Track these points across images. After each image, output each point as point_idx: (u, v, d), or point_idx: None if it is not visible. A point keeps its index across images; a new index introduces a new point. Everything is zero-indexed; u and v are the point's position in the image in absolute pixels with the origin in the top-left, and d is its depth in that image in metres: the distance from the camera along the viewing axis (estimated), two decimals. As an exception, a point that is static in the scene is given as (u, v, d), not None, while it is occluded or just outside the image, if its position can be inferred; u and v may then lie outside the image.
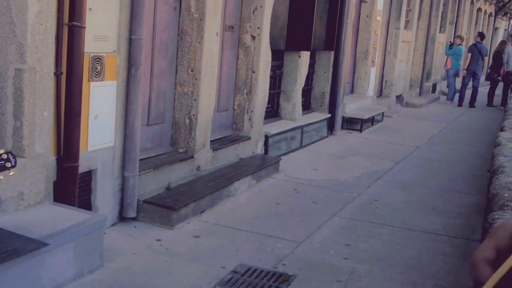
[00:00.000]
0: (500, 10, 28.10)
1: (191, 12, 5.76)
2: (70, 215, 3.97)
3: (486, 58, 15.93)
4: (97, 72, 4.49)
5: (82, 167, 4.42)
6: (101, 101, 4.60)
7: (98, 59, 4.49)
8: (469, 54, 15.72)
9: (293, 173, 7.03)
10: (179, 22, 5.81)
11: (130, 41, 4.75)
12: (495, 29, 28.93)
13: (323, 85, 9.55)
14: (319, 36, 8.63)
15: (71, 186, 4.26)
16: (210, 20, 5.82)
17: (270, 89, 7.76)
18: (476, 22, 24.22)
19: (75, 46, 4.09)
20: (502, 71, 16.89)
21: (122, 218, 4.99)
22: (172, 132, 6.02)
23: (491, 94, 16.39)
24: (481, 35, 16.25)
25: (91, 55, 4.40)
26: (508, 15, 30.81)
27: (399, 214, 5.79)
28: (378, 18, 11.81)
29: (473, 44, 16.04)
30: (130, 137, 4.88)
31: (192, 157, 5.93)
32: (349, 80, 11.36)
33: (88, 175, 4.61)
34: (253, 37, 6.94)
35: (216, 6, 5.91)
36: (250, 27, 6.94)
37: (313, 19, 7.90)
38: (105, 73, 4.58)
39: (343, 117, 10.09)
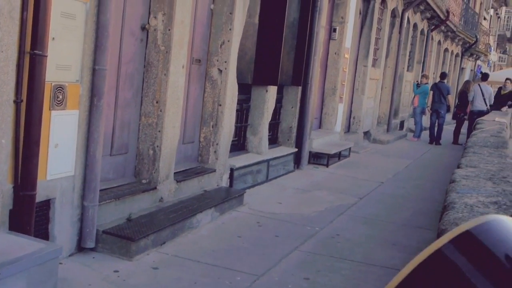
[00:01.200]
0: (467, 51, 28.81)
1: (158, 45, 5.81)
2: (25, 244, 3.92)
3: (450, 97, 16.28)
4: (58, 101, 4.49)
5: (40, 196, 4.38)
6: (62, 130, 4.58)
7: (60, 88, 4.49)
8: (431, 93, 16.12)
9: (257, 206, 7.04)
10: (145, 54, 5.85)
11: (94, 71, 4.77)
12: (462, 69, 29.61)
13: (290, 120, 9.64)
14: (287, 72, 8.76)
15: (28, 215, 4.21)
16: (176, 52, 5.87)
17: (237, 123, 7.82)
18: (443, 62, 24.78)
19: (36, 74, 4.09)
20: (467, 110, 17.26)
21: (80, 248, 4.93)
22: (136, 163, 6.00)
23: (456, 132, 16.70)
24: (442, 75, 16.68)
25: (53, 84, 4.40)
26: (474, 56, 31.59)
27: (360, 249, 5.83)
28: (346, 56, 12.02)
29: (435, 84, 16.46)
30: (91, 167, 4.86)
31: (155, 188, 5.92)
32: (317, 115, 11.49)
33: (46, 204, 4.57)
34: (220, 71, 7.01)
35: (183, 40, 5.97)
36: (217, 60, 7.01)
37: (280, 54, 8.02)
38: (67, 102, 4.58)
39: (310, 152, 10.18)
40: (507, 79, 18.77)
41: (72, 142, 4.72)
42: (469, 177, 4.42)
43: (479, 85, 16.59)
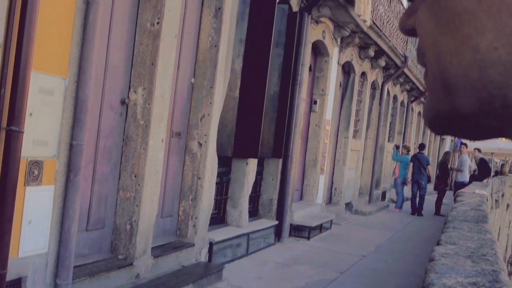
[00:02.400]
0: (447, 122, 29.24)
1: (137, 119, 5.82)
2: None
3: (430, 167, 16.45)
4: (34, 176, 4.43)
5: (11, 274, 4.25)
6: (36, 206, 4.50)
7: (36, 164, 4.45)
8: (411, 164, 16.29)
9: (237, 281, 6.90)
10: (124, 128, 5.85)
11: (71, 146, 4.74)
12: (442, 139, 30.00)
13: (271, 192, 9.61)
14: (267, 144, 8.79)
15: (-3, 295, 4.08)
16: (156, 127, 5.88)
17: (217, 195, 7.76)
18: (424, 133, 25.12)
19: (11, 151, 4.05)
20: (449, 181, 17.40)
21: (51, 329, 4.76)
22: (112, 238, 5.89)
23: (438, 203, 16.76)
24: (421, 146, 16.93)
25: (28, 160, 4.35)
26: (455, 126, 32.04)
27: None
28: (327, 127, 12.13)
29: (414, 155, 16.66)
30: (65, 244, 4.76)
31: (132, 264, 5.79)
32: (298, 187, 11.48)
33: (17, 283, 4.43)
34: (200, 144, 7.01)
35: (163, 114, 5.99)
36: (197, 134, 7.02)
37: (261, 127, 8.06)
38: (42, 177, 4.52)
39: (291, 224, 10.10)
40: (475, 149, 19.13)
41: (47, 218, 4.63)
42: (448, 255, 4.38)
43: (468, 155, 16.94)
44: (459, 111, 0.48)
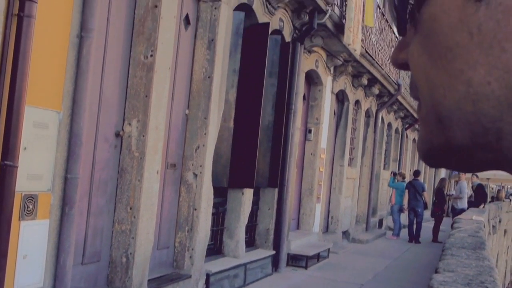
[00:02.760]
0: (442, 148, 29.31)
1: (132, 151, 5.82)
2: None
3: (425, 193, 16.45)
4: (28, 211, 4.41)
5: (6, 311, 4.20)
6: (31, 241, 4.47)
7: (31, 198, 4.43)
8: (406, 191, 16.28)
9: (234, 313, 6.83)
10: (119, 160, 5.85)
11: (66, 180, 4.73)
12: (438, 166, 30.00)
13: (267, 222, 9.57)
14: (263, 174, 8.78)
15: (-9, 332, 4.03)
16: (150, 158, 5.88)
17: (213, 226, 7.73)
18: (419, 160, 25.14)
19: (5, 185, 4.04)
20: (445, 207, 17.39)
21: None
22: (108, 271, 5.85)
23: (435, 230, 16.71)
24: (416, 173, 16.94)
25: (23, 194, 4.34)
26: (450, 152, 32.10)
27: None
28: (323, 156, 12.14)
29: (409, 182, 16.66)
30: (61, 278, 4.72)
31: (128, 297, 5.73)
32: (295, 216, 11.44)
33: (12, 319, 4.38)
34: (196, 175, 7.01)
35: (158, 145, 6.00)
36: (192, 165, 7.02)
37: (256, 157, 8.07)
38: (37, 212, 4.50)
39: (288, 254, 10.04)
40: (473, 174, 19.18)
41: (42, 253, 4.60)
42: (447, 283, 4.36)
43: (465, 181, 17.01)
44: (453, 144, 0.48)
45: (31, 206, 4.44)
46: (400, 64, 0.54)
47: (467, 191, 17.81)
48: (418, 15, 0.50)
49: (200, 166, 7.00)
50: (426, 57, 0.48)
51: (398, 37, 0.58)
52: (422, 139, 0.52)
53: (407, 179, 17.50)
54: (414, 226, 16.18)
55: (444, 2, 0.47)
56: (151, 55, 5.81)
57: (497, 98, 0.44)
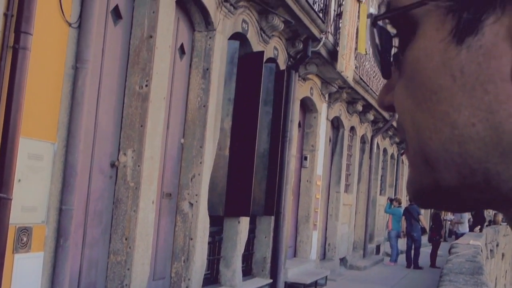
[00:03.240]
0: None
1: (127, 181, 5.79)
2: None
3: (421, 217, 16.39)
4: (23, 243, 4.38)
5: None
6: (25, 274, 4.43)
7: (25, 230, 4.40)
8: (403, 217, 16.26)
9: None
10: (114, 190, 5.82)
11: (61, 211, 4.71)
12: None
13: (264, 250, 9.51)
14: (259, 202, 8.75)
15: None
16: (146, 188, 5.85)
17: (209, 255, 7.67)
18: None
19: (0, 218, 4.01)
20: (442, 232, 17.33)
21: None
22: (104, 303, 5.78)
23: (433, 255, 16.64)
24: None
25: (17, 226, 4.30)
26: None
27: None
28: (319, 183, 12.13)
29: (405, 207, 16.64)
30: (55, 311, 4.66)
31: (123, 330, 5.66)
32: (292, 243, 11.38)
33: None
34: (191, 204, 6.98)
35: (153, 175, 5.98)
36: (188, 194, 6.99)
37: (252, 185, 8.04)
38: (31, 244, 4.46)
39: (285, 282, 9.96)
40: None
41: (36, 286, 4.55)
42: (446, 311, 4.32)
43: None
44: (442, 185, 0.48)
45: (25, 239, 4.40)
46: (387, 106, 0.54)
47: (467, 215, 17.79)
48: (403, 58, 0.50)
49: (196, 195, 6.98)
50: (411, 100, 0.49)
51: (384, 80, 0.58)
52: (410, 180, 0.52)
53: (404, 205, 17.46)
54: (412, 252, 16.10)
55: (426, 46, 0.47)
56: (146, 85, 5.82)
57: (482, 139, 0.45)
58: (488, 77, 0.44)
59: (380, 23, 0.53)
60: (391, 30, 0.52)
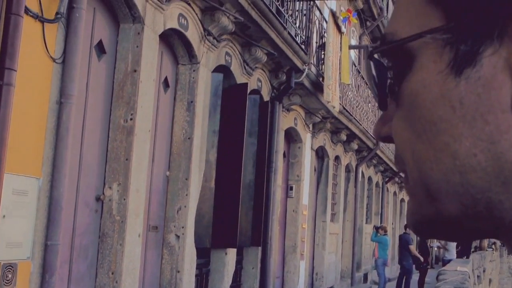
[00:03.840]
0: (423, 200, 29.44)
1: (113, 215, 5.78)
2: None
3: (411, 247, 16.37)
4: (7, 280, 4.34)
5: None
6: (10, 311, 4.38)
7: (10, 267, 4.36)
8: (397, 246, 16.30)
9: None
10: (100, 224, 5.79)
11: (46, 247, 4.68)
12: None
13: (251, 281, 9.46)
14: (246, 233, 8.74)
15: None
16: (132, 222, 5.84)
17: (196, 288, 7.62)
18: (401, 212, 25.20)
19: (-16, 255, 3.98)
20: (429, 259, 17.33)
21: None
22: None
23: (420, 282, 16.60)
24: (405, 226, 16.92)
25: (2, 263, 4.27)
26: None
27: None
28: (305, 212, 12.13)
29: (400, 235, 16.68)
30: None
31: None
32: (279, 274, 11.33)
33: None
34: (178, 237, 6.96)
35: (139, 208, 5.97)
36: (174, 226, 6.98)
37: (238, 216, 8.04)
38: (16, 281, 4.42)
39: (273, 313, 9.89)
40: None
41: (21, 323, 4.49)
42: None
43: None
44: (443, 215, 0.49)
45: (10, 275, 4.36)
46: (383, 137, 0.55)
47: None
48: (398, 90, 0.51)
49: (182, 227, 6.96)
50: (410, 131, 0.49)
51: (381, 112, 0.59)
52: (411, 210, 0.53)
53: (389, 233, 17.48)
54: (404, 281, 16.06)
55: (424, 78, 0.48)
56: (131, 119, 5.85)
57: (483, 169, 0.45)
58: (488, 107, 0.45)
59: (376, 56, 0.53)
60: (386, 62, 0.53)
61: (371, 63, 0.53)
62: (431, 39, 0.47)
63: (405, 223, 17.96)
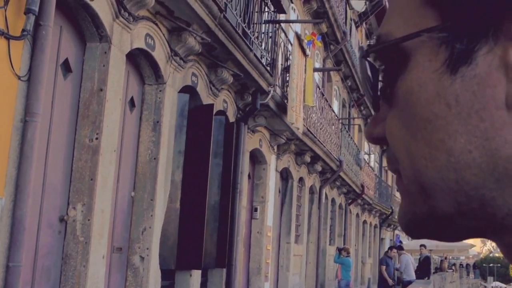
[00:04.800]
0: (384, 221, 29.75)
1: (77, 236, 5.68)
2: None
3: (382, 267, 16.63)
4: (-33, 303, 4.21)
5: None
6: (-31, 335, 4.25)
7: (-30, 289, 4.24)
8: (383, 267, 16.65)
9: None
10: (63, 246, 5.68)
11: (7, 268, 4.56)
12: (381, 239, 30.34)
13: (216, 303, 9.37)
14: (210, 254, 8.67)
15: None
16: (96, 243, 5.74)
17: (160, 311, 7.51)
18: (363, 234, 25.37)
19: None
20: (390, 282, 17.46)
21: None
22: None
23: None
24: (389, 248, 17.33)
25: (-38, 285, 4.15)
26: (392, 226, 32.61)
27: None
28: (269, 234, 12.12)
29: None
30: None
31: None
32: (243, 296, 11.25)
33: None
34: (142, 258, 6.87)
35: (103, 229, 5.88)
36: (139, 248, 6.89)
37: (203, 237, 7.98)
38: (-23, 303, 4.30)
39: (238, 336, 9.81)
40: (421, 245, 19.51)
41: None
42: None
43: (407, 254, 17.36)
44: (437, 213, 0.49)
45: (-30, 298, 4.24)
46: (376, 138, 0.55)
47: (410, 263, 17.94)
48: (393, 90, 0.51)
49: (147, 248, 6.88)
50: (405, 130, 0.50)
51: (372, 113, 0.59)
52: (403, 210, 0.53)
53: (352, 254, 17.57)
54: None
55: (419, 76, 0.48)
56: (97, 138, 5.78)
57: (478, 165, 0.46)
58: (483, 105, 0.46)
59: (369, 58, 0.53)
60: (378, 64, 0.53)
61: (367, 63, 0.54)
62: (427, 38, 0.48)
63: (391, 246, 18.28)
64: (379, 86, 0.54)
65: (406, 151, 0.50)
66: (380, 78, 0.54)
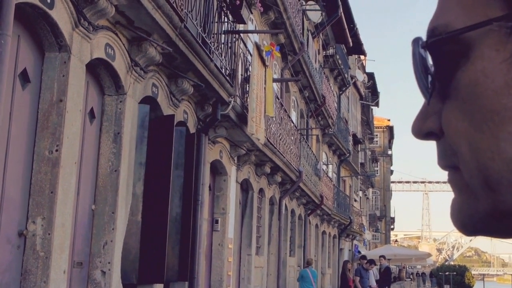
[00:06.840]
0: (343, 232, 29.97)
1: (37, 251, 5.51)
2: None
3: (355, 278, 16.75)
4: None
5: None
6: None
7: None
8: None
9: None
10: (23, 261, 5.51)
11: (-35, 286, 4.38)
12: (340, 249, 30.54)
13: (178, 317, 9.23)
14: (173, 267, 8.54)
15: None
16: (57, 257, 5.58)
17: (122, 326, 7.35)
18: (323, 244, 25.49)
19: None
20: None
21: None
22: None
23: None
24: (363, 257, 17.48)
25: None
26: (351, 236, 32.88)
27: None
28: (230, 246, 12.05)
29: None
30: None
31: None
32: (205, 310, 11.13)
33: None
34: (104, 273, 6.71)
35: (64, 243, 5.73)
36: (100, 262, 6.74)
37: (165, 250, 7.86)
38: None
39: None
40: (381, 256, 19.75)
41: None
42: None
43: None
44: (502, 208, 0.47)
45: None
46: (426, 133, 0.53)
47: (375, 273, 18.22)
48: (450, 82, 0.50)
49: (109, 263, 6.73)
50: (467, 122, 0.48)
51: (422, 107, 0.56)
52: (459, 207, 0.51)
53: (313, 265, 17.61)
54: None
55: (485, 67, 0.47)
56: (57, 150, 5.64)
57: None
58: None
59: (421, 50, 0.51)
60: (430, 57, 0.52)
61: (427, 54, 0.52)
62: (496, 27, 0.46)
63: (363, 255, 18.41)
64: (429, 79, 0.52)
65: (468, 144, 0.48)
66: (430, 70, 0.52)
